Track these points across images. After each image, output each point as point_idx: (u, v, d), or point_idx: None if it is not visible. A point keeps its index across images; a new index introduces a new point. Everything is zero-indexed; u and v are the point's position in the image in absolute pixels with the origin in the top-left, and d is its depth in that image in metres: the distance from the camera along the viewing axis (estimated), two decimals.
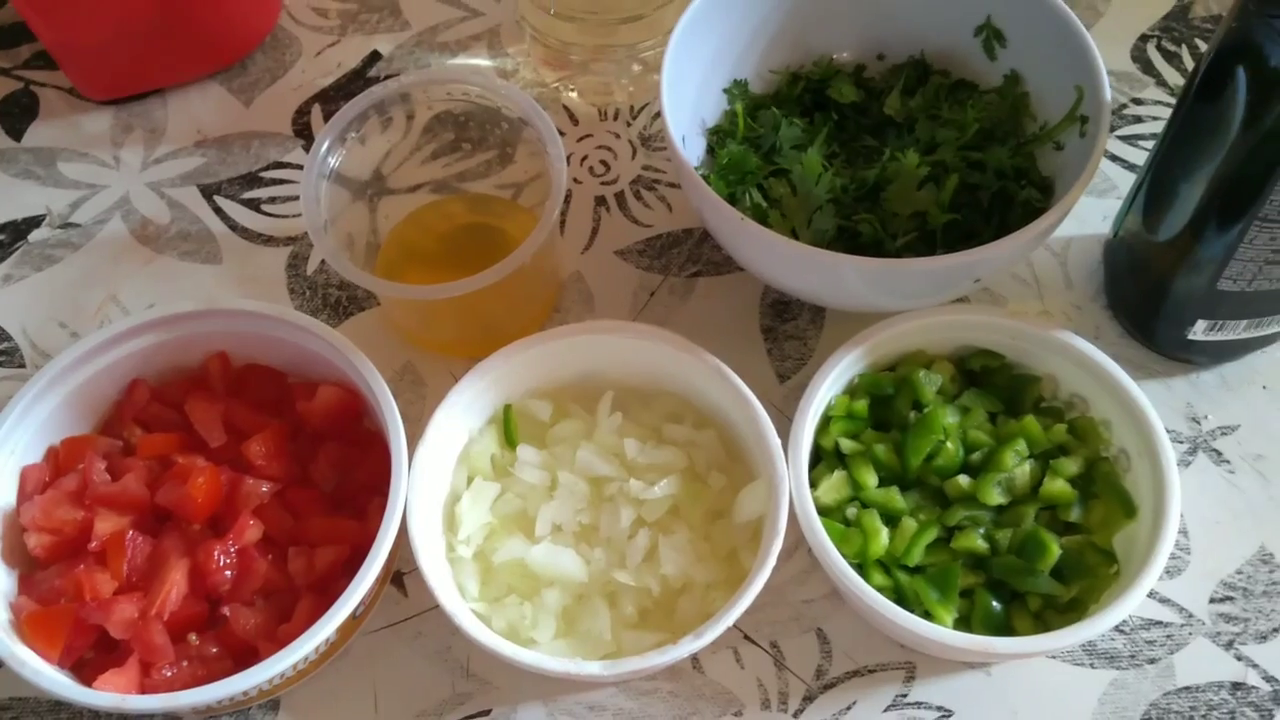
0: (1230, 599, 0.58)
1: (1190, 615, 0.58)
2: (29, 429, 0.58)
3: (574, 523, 0.57)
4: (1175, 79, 0.76)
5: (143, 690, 0.52)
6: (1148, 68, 0.76)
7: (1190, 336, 0.61)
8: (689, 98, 0.65)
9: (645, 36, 0.72)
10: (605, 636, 0.54)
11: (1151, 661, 0.56)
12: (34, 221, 0.72)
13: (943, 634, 0.51)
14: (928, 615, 0.53)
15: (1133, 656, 0.57)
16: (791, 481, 0.54)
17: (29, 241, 0.71)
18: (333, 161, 0.62)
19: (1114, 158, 0.72)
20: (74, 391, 0.59)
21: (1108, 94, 0.59)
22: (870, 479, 0.56)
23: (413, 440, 0.56)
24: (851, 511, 0.56)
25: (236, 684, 0.51)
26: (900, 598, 0.54)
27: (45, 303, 0.69)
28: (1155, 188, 0.60)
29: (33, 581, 0.55)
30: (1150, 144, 0.72)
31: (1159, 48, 0.77)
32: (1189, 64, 0.76)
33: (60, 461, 0.59)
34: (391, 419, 0.56)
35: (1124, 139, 0.73)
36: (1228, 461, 0.62)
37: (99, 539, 0.55)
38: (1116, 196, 0.71)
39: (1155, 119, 0.74)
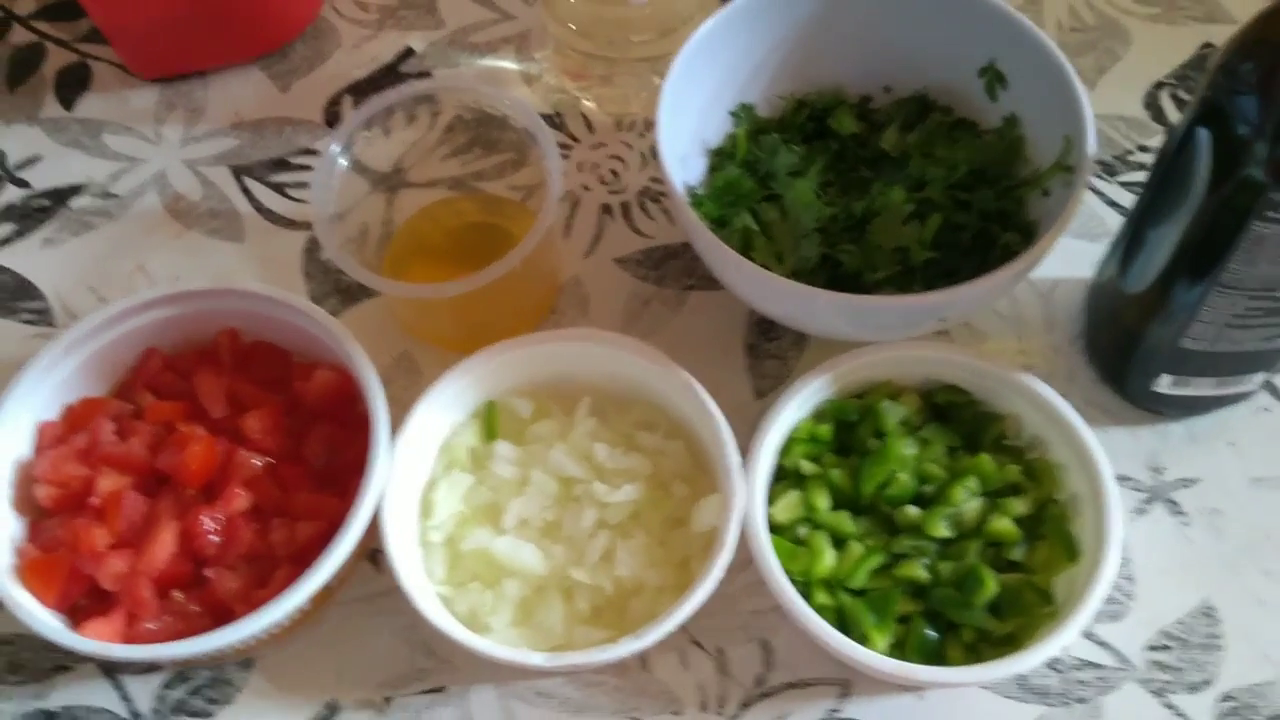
0: (1167, 648, 0.59)
1: (1125, 660, 0.59)
2: (49, 387, 0.62)
3: (540, 519, 0.60)
4: None
5: (126, 640, 0.56)
6: (1158, 115, 0.77)
7: (1155, 389, 0.62)
8: (691, 118, 0.67)
9: (667, 50, 0.74)
10: (557, 629, 0.57)
11: (1081, 701, 0.58)
12: (76, 189, 0.77)
13: (869, 657, 0.54)
14: (865, 638, 0.55)
15: (1063, 694, 0.58)
16: (746, 498, 0.57)
17: (70, 208, 0.76)
18: (344, 162, 0.65)
19: (1112, 203, 0.73)
20: (93, 355, 0.64)
21: (1092, 148, 0.60)
22: (823, 501, 0.59)
23: (400, 426, 0.59)
24: (803, 531, 0.58)
25: (212, 641, 0.55)
26: (842, 618, 0.56)
27: (79, 268, 0.73)
28: (1133, 239, 0.61)
29: (39, 529, 0.60)
30: None
31: (1173, 96, 0.77)
32: None
33: (74, 419, 0.63)
34: (375, 405, 0.59)
35: (1125, 185, 0.74)
36: (1183, 514, 0.63)
37: (100, 496, 0.59)
38: (1110, 242, 0.72)
39: None
